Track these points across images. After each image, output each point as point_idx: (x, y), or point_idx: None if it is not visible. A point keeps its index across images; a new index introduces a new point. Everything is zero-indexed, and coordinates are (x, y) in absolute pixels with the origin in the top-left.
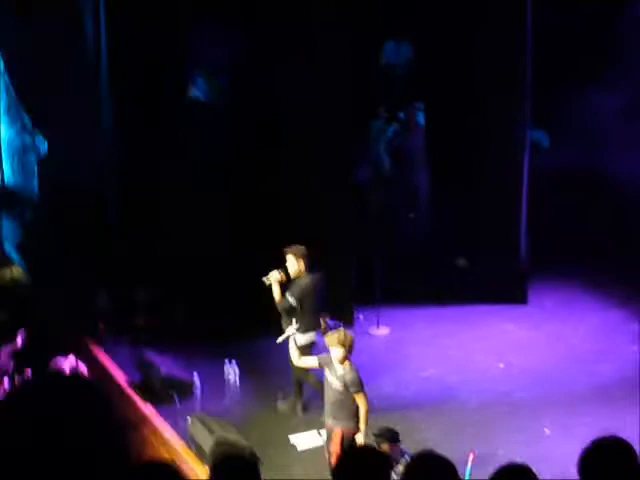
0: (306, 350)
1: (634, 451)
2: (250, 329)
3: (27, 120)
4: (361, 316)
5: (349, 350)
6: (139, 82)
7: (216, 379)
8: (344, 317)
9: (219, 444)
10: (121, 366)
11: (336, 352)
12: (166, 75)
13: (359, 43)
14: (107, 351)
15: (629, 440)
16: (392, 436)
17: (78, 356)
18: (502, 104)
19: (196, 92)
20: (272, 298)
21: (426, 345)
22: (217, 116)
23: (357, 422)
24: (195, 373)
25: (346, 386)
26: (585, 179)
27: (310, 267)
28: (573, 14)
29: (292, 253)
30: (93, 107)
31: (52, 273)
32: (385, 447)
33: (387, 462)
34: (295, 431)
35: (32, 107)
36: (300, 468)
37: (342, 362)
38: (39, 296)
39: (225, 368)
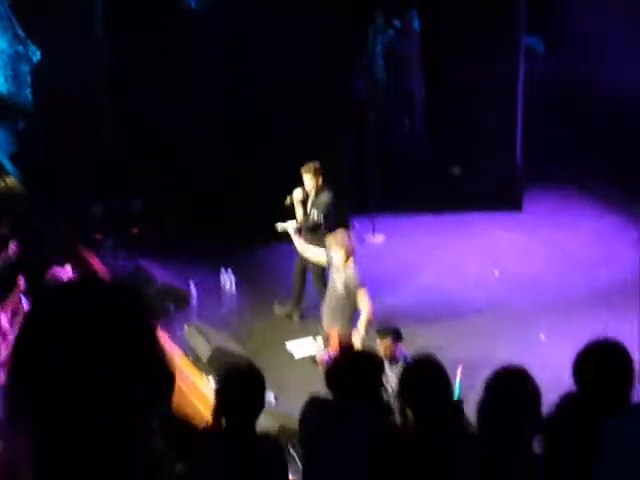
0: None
1: (627, 352)
2: (246, 238)
3: (19, 30)
4: (356, 224)
5: (349, 252)
6: None
7: (212, 288)
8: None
9: (217, 353)
10: (117, 276)
11: (336, 254)
12: None
13: None
14: (103, 261)
15: (629, 343)
16: (396, 333)
17: (75, 266)
18: (496, 8)
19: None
20: (267, 206)
21: (422, 253)
22: (211, 28)
23: (354, 326)
24: (191, 282)
25: (347, 288)
26: (581, 86)
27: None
28: None
29: (309, 171)
30: (86, 16)
31: (46, 183)
32: (387, 343)
33: (379, 367)
34: (291, 338)
35: (24, 17)
36: (296, 376)
37: (343, 264)
38: (34, 206)
39: (221, 277)
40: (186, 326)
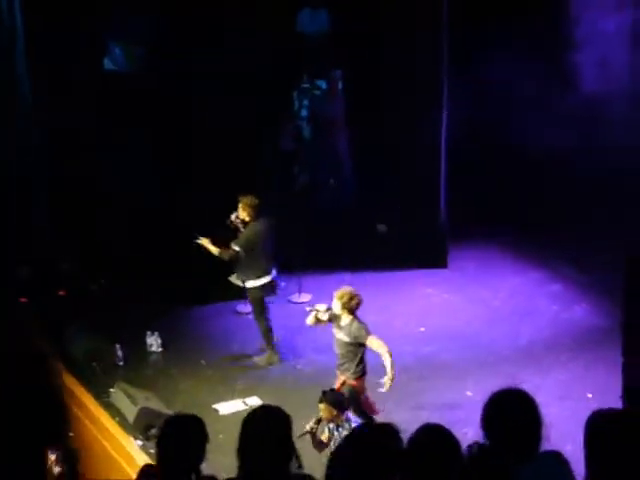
0: (258, 293)
1: (532, 400)
2: (171, 300)
3: None
4: (283, 283)
5: (350, 305)
6: (56, 56)
7: (139, 349)
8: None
9: (142, 413)
10: (45, 337)
11: (336, 305)
12: (82, 46)
13: (276, 11)
14: (32, 322)
15: (550, 395)
16: (339, 401)
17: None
18: (419, 68)
19: (111, 63)
20: (191, 270)
21: None
22: (135, 86)
23: (361, 375)
24: (117, 344)
25: (353, 337)
26: (502, 144)
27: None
28: None
29: (240, 202)
30: (10, 82)
31: None
32: (329, 411)
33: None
34: (219, 400)
35: None
36: (223, 435)
37: (343, 314)
38: None
39: (147, 339)
40: (112, 388)
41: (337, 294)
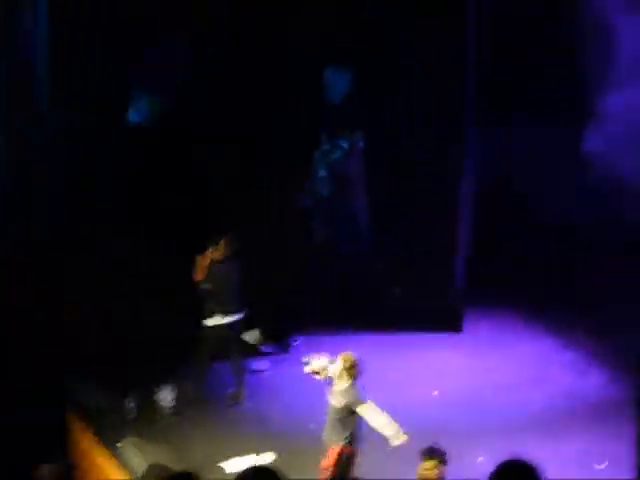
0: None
1: (537, 472)
2: (186, 353)
3: None
4: (296, 341)
5: (352, 371)
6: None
7: (151, 403)
8: (280, 343)
9: (152, 469)
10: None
11: (337, 367)
12: (110, 97)
13: (299, 69)
14: None
15: (562, 467)
16: (442, 456)
17: None
18: (439, 133)
19: (136, 116)
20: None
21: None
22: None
23: (355, 442)
24: (129, 397)
25: (352, 405)
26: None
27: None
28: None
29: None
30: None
31: None
32: (432, 465)
33: None
34: (230, 453)
35: None
36: None
37: (343, 377)
38: None
39: (160, 393)
40: (122, 442)
41: (342, 357)
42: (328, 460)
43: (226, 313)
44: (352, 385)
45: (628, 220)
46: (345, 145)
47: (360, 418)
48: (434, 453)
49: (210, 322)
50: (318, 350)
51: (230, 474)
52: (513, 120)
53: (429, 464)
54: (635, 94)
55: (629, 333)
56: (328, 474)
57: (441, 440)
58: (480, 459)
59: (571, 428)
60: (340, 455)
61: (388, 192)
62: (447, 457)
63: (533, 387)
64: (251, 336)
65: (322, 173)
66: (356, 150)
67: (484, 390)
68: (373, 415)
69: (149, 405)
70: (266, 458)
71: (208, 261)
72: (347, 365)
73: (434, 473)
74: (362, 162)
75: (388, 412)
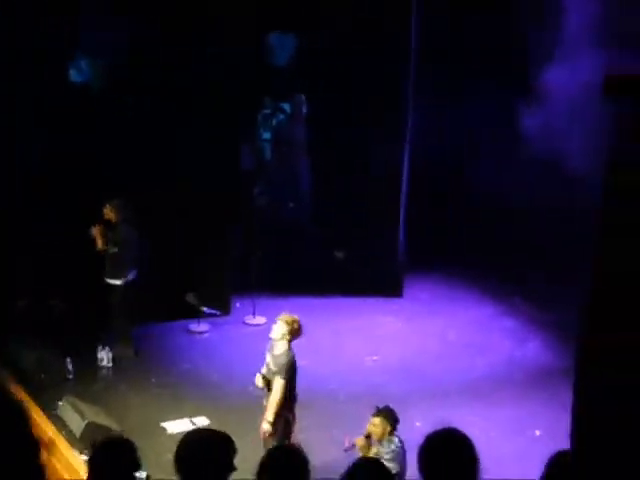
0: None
1: (469, 441)
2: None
3: None
4: (238, 304)
5: (292, 332)
6: (21, 70)
7: (89, 364)
8: (221, 305)
9: (89, 428)
10: None
11: (278, 328)
12: (49, 59)
13: (245, 31)
14: None
15: (498, 433)
16: (395, 418)
17: None
18: (380, 90)
19: (77, 75)
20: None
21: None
22: (99, 100)
23: (287, 410)
24: (68, 358)
25: (276, 367)
26: (462, 177)
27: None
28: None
29: (110, 205)
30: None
31: None
32: (377, 422)
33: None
34: (168, 418)
35: None
36: (170, 454)
37: (281, 339)
38: None
39: (98, 353)
40: (61, 401)
41: (285, 318)
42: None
43: (115, 275)
44: (289, 350)
45: (565, 188)
46: (287, 109)
47: (294, 380)
48: (382, 411)
49: (110, 283)
50: (259, 313)
51: (172, 435)
52: (451, 89)
53: (376, 420)
54: (579, 67)
55: (567, 302)
56: (268, 439)
57: (377, 403)
58: (417, 424)
59: (509, 395)
60: (276, 420)
61: (332, 156)
62: (396, 415)
63: (472, 353)
64: (191, 298)
65: (265, 136)
66: (299, 114)
67: (423, 356)
68: (275, 392)
69: (88, 366)
70: (199, 422)
71: (102, 228)
72: (293, 327)
73: (381, 428)
74: (305, 126)
75: (325, 376)
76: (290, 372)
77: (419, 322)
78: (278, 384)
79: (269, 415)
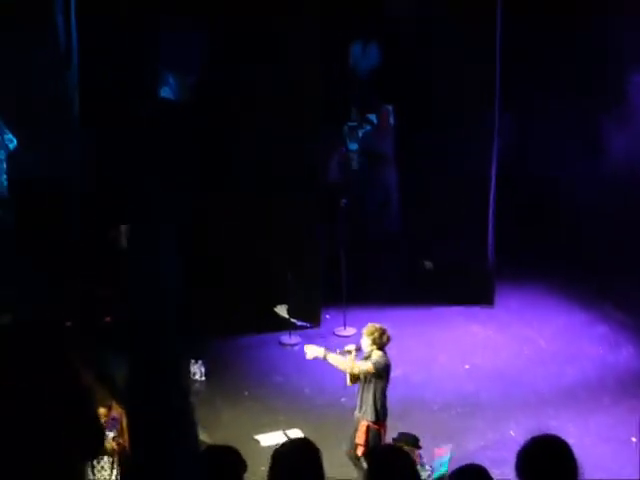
0: None
1: (569, 448)
2: (216, 329)
3: None
4: (328, 316)
5: (381, 341)
6: (108, 83)
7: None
8: (311, 317)
9: None
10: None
11: (364, 341)
12: (136, 75)
13: (328, 44)
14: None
15: (590, 441)
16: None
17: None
18: (469, 103)
19: (167, 92)
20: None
21: (392, 345)
22: (187, 115)
23: (382, 416)
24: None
25: (373, 374)
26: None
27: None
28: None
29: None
30: (62, 108)
31: (15, 269)
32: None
33: (411, 460)
34: (261, 431)
35: (2, 107)
36: (265, 467)
37: (371, 351)
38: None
39: (191, 367)
40: None
41: (366, 330)
42: (360, 436)
43: None
44: (383, 355)
45: None
46: (374, 120)
47: (386, 382)
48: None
49: None
50: (349, 324)
51: (265, 447)
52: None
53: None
54: None
55: None
56: (361, 450)
57: (471, 413)
58: (512, 433)
59: (602, 402)
60: (367, 432)
61: (420, 165)
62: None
63: (565, 361)
64: (282, 310)
65: (352, 147)
66: (386, 125)
67: (515, 364)
68: (354, 363)
69: None
70: (293, 434)
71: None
72: (375, 336)
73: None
74: (393, 137)
75: (419, 385)
76: (384, 372)
77: (510, 330)
78: (365, 364)
79: (330, 357)
